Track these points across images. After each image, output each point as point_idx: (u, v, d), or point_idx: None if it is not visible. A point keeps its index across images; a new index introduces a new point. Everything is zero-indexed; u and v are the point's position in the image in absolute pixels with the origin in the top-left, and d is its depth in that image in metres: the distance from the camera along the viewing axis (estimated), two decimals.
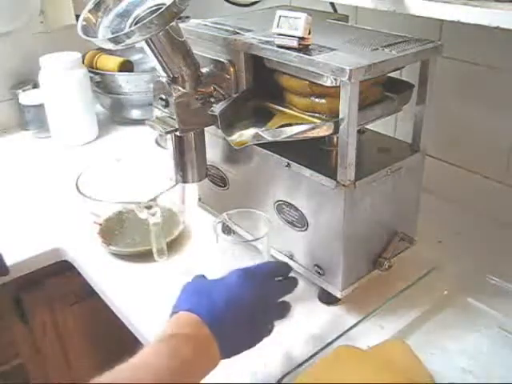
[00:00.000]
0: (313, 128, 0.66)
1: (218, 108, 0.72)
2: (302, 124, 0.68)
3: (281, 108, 0.74)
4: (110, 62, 1.34)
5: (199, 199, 0.96)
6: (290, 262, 0.79)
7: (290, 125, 0.68)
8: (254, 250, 0.72)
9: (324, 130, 0.66)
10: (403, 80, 0.76)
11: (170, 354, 0.54)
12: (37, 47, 1.32)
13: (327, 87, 0.65)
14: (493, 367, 0.66)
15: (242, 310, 0.59)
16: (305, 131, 0.66)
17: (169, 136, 0.77)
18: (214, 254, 0.74)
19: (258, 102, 0.76)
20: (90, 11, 0.71)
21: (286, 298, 0.67)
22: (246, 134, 0.70)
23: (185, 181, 0.82)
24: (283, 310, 0.66)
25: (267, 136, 0.68)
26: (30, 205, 1.05)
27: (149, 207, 0.81)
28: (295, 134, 0.66)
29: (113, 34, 0.68)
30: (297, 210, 0.74)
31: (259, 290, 0.62)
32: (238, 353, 0.60)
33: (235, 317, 0.58)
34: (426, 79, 0.70)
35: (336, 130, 0.65)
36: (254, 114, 0.74)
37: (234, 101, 0.74)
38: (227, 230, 0.82)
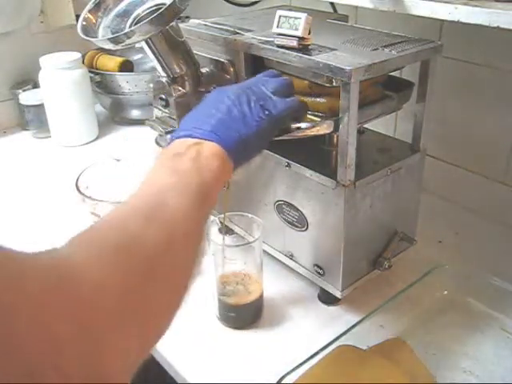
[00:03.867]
0: (313, 126, 0.66)
1: None
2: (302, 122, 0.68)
3: None
4: (110, 62, 1.33)
5: None
6: (290, 262, 0.79)
7: None
8: (247, 250, 0.71)
9: (324, 128, 0.65)
10: (403, 78, 0.76)
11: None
12: (37, 47, 1.32)
13: (327, 87, 0.65)
14: (493, 368, 0.66)
15: (222, 103, 0.58)
16: (305, 129, 0.66)
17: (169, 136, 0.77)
18: (208, 254, 0.74)
19: None
20: (90, 11, 0.71)
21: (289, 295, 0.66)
22: None
23: None
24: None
25: None
26: (29, 205, 1.05)
27: None
28: (295, 132, 0.66)
29: (113, 34, 0.68)
30: (297, 210, 0.74)
31: (241, 84, 0.61)
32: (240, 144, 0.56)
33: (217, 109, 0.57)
34: (426, 79, 0.70)
35: (336, 128, 0.65)
36: None
37: None
38: (225, 229, 0.81)
